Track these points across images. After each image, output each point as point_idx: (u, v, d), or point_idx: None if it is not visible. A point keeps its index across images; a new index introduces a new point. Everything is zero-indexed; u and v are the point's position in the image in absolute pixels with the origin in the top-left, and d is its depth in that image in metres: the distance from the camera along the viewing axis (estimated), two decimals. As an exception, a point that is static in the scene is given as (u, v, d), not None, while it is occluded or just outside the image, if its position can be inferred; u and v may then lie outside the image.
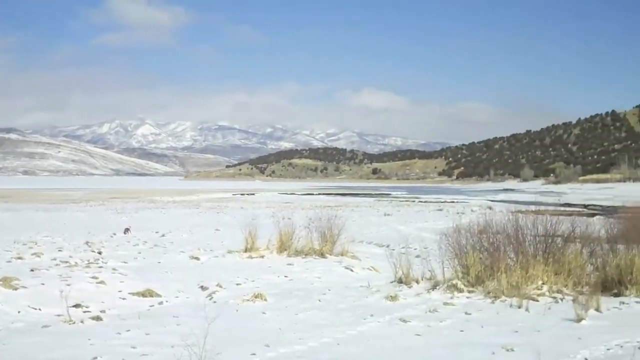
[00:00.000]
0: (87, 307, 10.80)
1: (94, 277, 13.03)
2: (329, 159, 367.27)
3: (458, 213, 40.61)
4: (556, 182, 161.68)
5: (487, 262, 12.04)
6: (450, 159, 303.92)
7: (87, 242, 21.12)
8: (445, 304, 10.83)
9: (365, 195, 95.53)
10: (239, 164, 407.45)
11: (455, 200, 70.39)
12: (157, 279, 13.60)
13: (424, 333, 8.94)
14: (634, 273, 11.58)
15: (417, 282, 12.46)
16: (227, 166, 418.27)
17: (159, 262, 16.70)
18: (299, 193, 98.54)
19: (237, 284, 13.55)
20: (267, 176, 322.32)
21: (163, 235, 24.63)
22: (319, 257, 17.42)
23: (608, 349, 8.01)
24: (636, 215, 18.21)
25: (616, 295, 11.52)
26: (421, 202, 66.77)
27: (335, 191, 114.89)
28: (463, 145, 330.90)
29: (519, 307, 10.45)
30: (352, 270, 15.93)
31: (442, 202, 66.18)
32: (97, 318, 9.88)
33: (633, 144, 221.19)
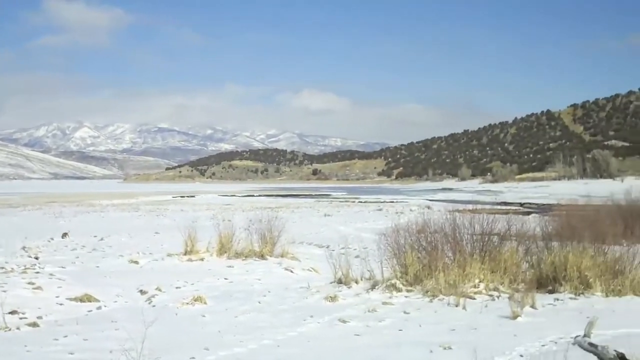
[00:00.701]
0: (23, 314, 10.60)
1: (30, 283, 12.80)
2: (269, 161, 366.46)
3: (397, 213, 40.91)
4: (493, 181, 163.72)
5: (425, 261, 12.17)
6: (390, 159, 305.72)
7: (23, 247, 20.70)
8: (384, 303, 10.92)
9: (305, 196, 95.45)
10: (179, 166, 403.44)
11: (394, 200, 70.82)
12: (96, 284, 13.42)
13: (363, 333, 9.00)
14: (568, 270, 11.82)
15: (357, 282, 12.54)
16: (167, 168, 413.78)
17: (98, 267, 16.49)
18: (240, 195, 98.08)
19: (177, 288, 13.46)
20: (207, 178, 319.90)
21: (102, 239, 24.30)
22: (259, 258, 17.40)
23: (543, 345, 8.17)
24: (570, 213, 18.61)
25: (551, 292, 11.76)
26: (361, 202, 67.00)
27: (275, 192, 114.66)
28: (402, 145, 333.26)
29: (457, 306, 10.59)
30: (292, 272, 15.94)
31: (381, 202, 66.48)
32: (34, 324, 9.73)
33: (567, 143, 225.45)
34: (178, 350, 8.00)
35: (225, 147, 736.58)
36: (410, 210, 44.65)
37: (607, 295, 11.58)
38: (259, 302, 11.57)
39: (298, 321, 9.82)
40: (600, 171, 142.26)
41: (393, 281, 11.92)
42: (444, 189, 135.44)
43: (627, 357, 7.04)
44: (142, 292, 12.98)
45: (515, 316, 9.77)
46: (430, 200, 71.06)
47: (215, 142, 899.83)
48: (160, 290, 13.02)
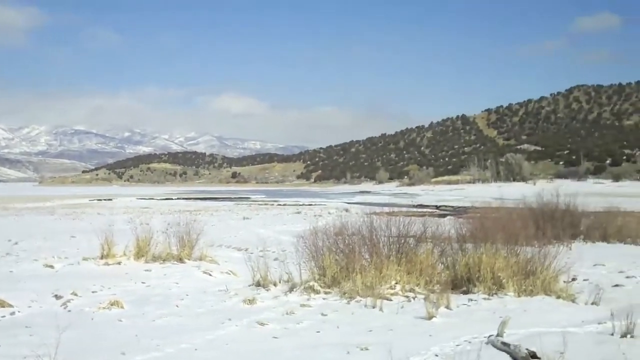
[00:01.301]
0: None
1: (-61, 289, 12.43)
2: (188, 163, 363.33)
3: (316, 215, 41.09)
4: (410, 184, 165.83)
5: (343, 264, 12.28)
6: (309, 162, 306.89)
7: None
8: (302, 305, 10.98)
9: (224, 199, 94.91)
10: (96, 169, 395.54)
11: (313, 203, 71.06)
12: (9, 289, 13.08)
13: (281, 335, 9.04)
14: (482, 271, 12.10)
15: (275, 284, 12.58)
16: (84, 171, 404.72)
17: (11, 272, 16.08)
18: (158, 198, 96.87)
19: (93, 292, 13.24)
20: (125, 181, 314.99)
21: (16, 244, 23.68)
22: (177, 262, 17.25)
23: (457, 345, 8.35)
24: (484, 216, 19.03)
25: (465, 292, 12.01)
26: (280, 205, 67.03)
27: (194, 195, 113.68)
28: (321, 148, 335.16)
29: (374, 307, 10.72)
30: (210, 275, 15.86)
31: (300, 205, 66.65)
32: (-56, 332, 9.46)
33: (482, 147, 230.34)
34: (94, 355, 7.90)
35: (144, 149, 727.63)
36: (329, 213, 44.91)
37: (519, 296, 11.89)
38: (177, 306, 11.49)
39: (216, 324, 9.79)
40: (513, 174, 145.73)
41: (311, 283, 12.00)
42: (362, 192, 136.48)
43: (538, 355, 7.25)
44: (57, 296, 12.72)
45: (430, 317, 9.96)
46: (348, 203, 71.59)
47: (134, 144, 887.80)
48: (76, 294, 12.79)
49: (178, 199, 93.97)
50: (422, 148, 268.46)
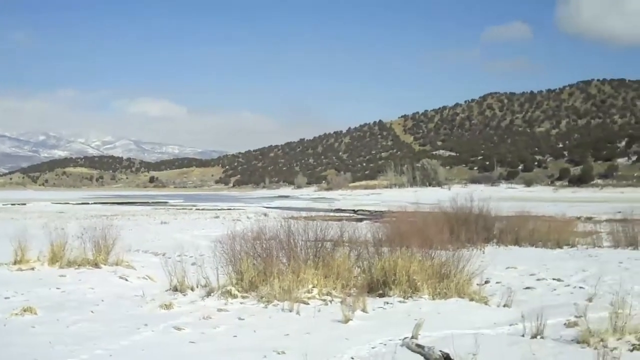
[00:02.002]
0: None
1: None
2: (105, 168, 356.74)
3: (234, 220, 40.89)
4: (328, 189, 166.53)
5: (261, 268, 12.30)
6: (227, 167, 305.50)
7: None
8: (220, 310, 10.96)
9: (142, 203, 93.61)
10: (10, 173, 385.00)
11: (231, 208, 70.76)
12: None
13: (198, 340, 9.00)
14: (397, 274, 12.29)
15: (192, 289, 12.52)
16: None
17: None
18: (74, 202, 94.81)
19: (6, 298, 12.92)
20: (40, 185, 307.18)
21: None
22: (93, 267, 16.97)
23: (373, 347, 8.48)
24: (400, 220, 19.29)
25: (381, 295, 12.18)
26: (198, 209, 66.52)
27: (112, 200, 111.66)
28: (240, 153, 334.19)
29: (291, 311, 10.77)
30: (127, 280, 15.66)
31: (219, 209, 66.27)
32: None
33: (398, 152, 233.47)
34: (5, 363, 7.75)
35: (59, 153, 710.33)
36: (247, 217, 44.81)
37: (433, 298, 12.13)
38: (92, 312, 11.32)
39: (132, 330, 9.69)
40: (429, 179, 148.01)
41: (228, 288, 11.99)
42: (280, 197, 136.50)
43: (452, 356, 7.41)
44: (-34, 304, 12.42)
45: (347, 320, 10.07)
46: (267, 207, 71.53)
47: (49, 148, 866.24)
48: (-14, 301, 12.49)
49: (95, 203, 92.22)
50: (340, 153, 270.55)
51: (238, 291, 11.89)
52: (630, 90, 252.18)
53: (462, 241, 19.54)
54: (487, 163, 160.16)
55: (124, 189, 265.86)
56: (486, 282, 14.16)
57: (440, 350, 7.67)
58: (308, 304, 11.28)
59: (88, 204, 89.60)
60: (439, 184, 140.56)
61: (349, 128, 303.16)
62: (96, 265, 17.04)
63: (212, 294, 12.01)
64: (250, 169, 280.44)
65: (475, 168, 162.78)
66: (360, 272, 13.06)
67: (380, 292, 12.29)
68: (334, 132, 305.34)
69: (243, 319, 10.29)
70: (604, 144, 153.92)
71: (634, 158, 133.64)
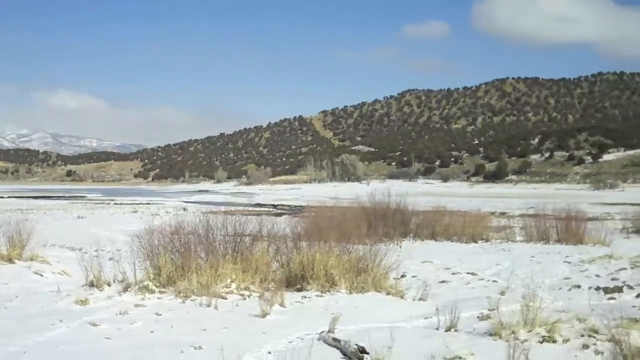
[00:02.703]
0: None
1: None
2: (20, 161, 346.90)
3: (152, 214, 40.51)
4: (248, 183, 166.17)
5: (179, 263, 12.22)
6: (147, 161, 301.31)
7: None
8: (137, 305, 10.84)
9: (59, 197, 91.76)
10: None
11: (150, 202, 70.01)
12: None
13: (114, 336, 8.89)
14: (315, 269, 12.37)
15: (109, 285, 12.34)
16: None
17: None
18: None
19: None
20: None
21: None
22: (6, 262, 16.57)
23: (290, 342, 8.52)
24: (319, 214, 19.43)
25: (299, 290, 12.24)
26: (116, 204, 65.57)
27: (27, 194, 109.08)
28: (159, 147, 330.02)
29: (209, 306, 10.74)
30: (42, 275, 15.36)
31: (137, 203, 65.48)
32: None
33: (318, 147, 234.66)
34: None
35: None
36: (166, 212, 44.43)
37: (351, 292, 12.27)
38: (5, 308, 11.06)
39: (47, 326, 9.51)
40: (348, 175, 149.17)
41: (146, 283, 11.86)
42: (200, 191, 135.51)
43: (367, 350, 7.51)
44: None
45: (264, 314, 10.10)
46: (186, 202, 71.02)
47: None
48: None
49: (9, 197, 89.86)
50: (261, 148, 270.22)
51: (155, 286, 11.79)
52: (543, 89, 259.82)
53: (380, 236, 19.74)
54: (405, 159, 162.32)
55: (41, 183, 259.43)
56: (402, 276, 14.37)
57: (357, 344, 7.76)
58: (226, 298, 11.27)
59: (3, 197, 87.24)
60: (358, 179, 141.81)
61: (270, 123, 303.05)
62: (10, 260, 16.65)
63: (129, 290, 11.87)
64: (170, 163, 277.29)
65: (394, 163, 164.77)
66: (278, 267, 13.10)
67: (299, 286, 12.36)
68: (255, 127, 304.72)
69: (160, 314, 10.21)
70: (518, 140, 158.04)
71: (547, 155, 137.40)
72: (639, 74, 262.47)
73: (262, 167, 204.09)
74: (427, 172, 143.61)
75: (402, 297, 12.42)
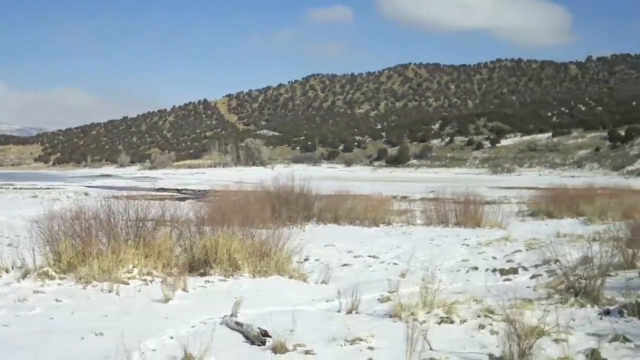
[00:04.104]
0: None
1: None
2: None
3: (53, 199, 39.62)
4: (152, 168, 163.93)
5: (80, 248, 12.05)
6: (47, 144, 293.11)
7: None
8: (36, 292, 10.66)
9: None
10: None
11: (51, 187, 68.29)
12: None
13: (12, 323, 8.73)
14: (219, 253, 12.42)
15: (7, 271, 12.08)
16: None
17: None
18: None
19: None
20: None
21: None
22: None
23: (192, 326, 8.55)
24: (223, 199, 19.43)
25: (202, 274, 12.27)
26: (16, 189, 63.66)
27: None
28: (60, 131, 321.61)
29: (110, 292, 10.65)
30: None
31: (37, 188, 63.78)
32: None
33: (223, 131, 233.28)
34: None
35: None
36: (67, 197, 43.45)
37: (254, 276, 12.37)
38: None
39: (-60, 315, 9.28)
40: (253, 159, 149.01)
41: (45, 269, 11.67)
42: (103, 176, 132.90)
43: (270, 333, 7.60)
44: None
45: (167, 299, 10.09)
46: (88, 186, 69.60)
47: None
48: None
49: None
50: (164, 132, 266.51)
51: (55, 272, 11.61)
52: (444, 74, 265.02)
53: (283, 220, 19.94)
54: (309, 143, 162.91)
55: None
56: (305, 259, 14.56)
57: (259, 327, 7.86)
58: (128, 284, 11.19)
59: None
60: (263, 164, 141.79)
61: (174, 107, 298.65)
62: None
63: (28, 276, 11.65)
64: (71, 147, 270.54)
65: (298, 148, 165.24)
66: (181, 252, 13.08)
67: (202, 271, 12.38)
68: (158, 111, 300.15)
69: (60, 301, 10.08)
70: (420, 125, 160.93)
71: (447, 140, 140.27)
72: (535, 61, 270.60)
73: (166, 151, 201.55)
74: (330, 157, 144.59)
75: (304, 281, 12.60)
